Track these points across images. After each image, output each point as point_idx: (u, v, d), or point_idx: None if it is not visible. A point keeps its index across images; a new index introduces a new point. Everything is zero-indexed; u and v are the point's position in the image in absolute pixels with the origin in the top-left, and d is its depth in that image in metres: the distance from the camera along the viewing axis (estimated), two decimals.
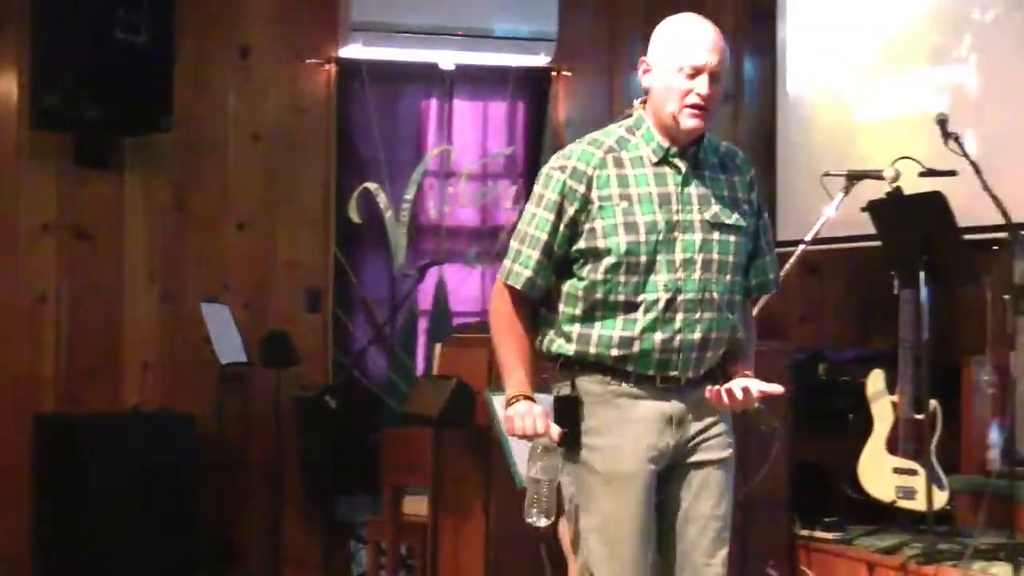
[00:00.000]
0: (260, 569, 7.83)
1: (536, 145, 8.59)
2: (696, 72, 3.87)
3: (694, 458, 3.97)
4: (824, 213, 6.62)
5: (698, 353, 3.90)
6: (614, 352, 3.87)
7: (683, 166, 3.94)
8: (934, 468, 6.29)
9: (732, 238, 3.95)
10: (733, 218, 3.96)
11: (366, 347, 8.20)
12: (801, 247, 6.68)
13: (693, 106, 3.88)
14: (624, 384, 3.90)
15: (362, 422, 7.66)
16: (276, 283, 8.09)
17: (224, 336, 7.46)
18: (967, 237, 6.29)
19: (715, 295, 3.90)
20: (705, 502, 3.98)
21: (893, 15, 7.88)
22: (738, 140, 8.43)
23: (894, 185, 6.50)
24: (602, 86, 8.69)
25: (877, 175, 6.57)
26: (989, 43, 7.29)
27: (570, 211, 3.92)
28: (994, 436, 7.00)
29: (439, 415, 6.16)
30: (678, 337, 3.86)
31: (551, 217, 3.94)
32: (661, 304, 3.85)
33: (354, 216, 8.17)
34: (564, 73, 8.56)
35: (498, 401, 5.78)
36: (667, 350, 3.86)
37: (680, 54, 3.90)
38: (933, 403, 6.37)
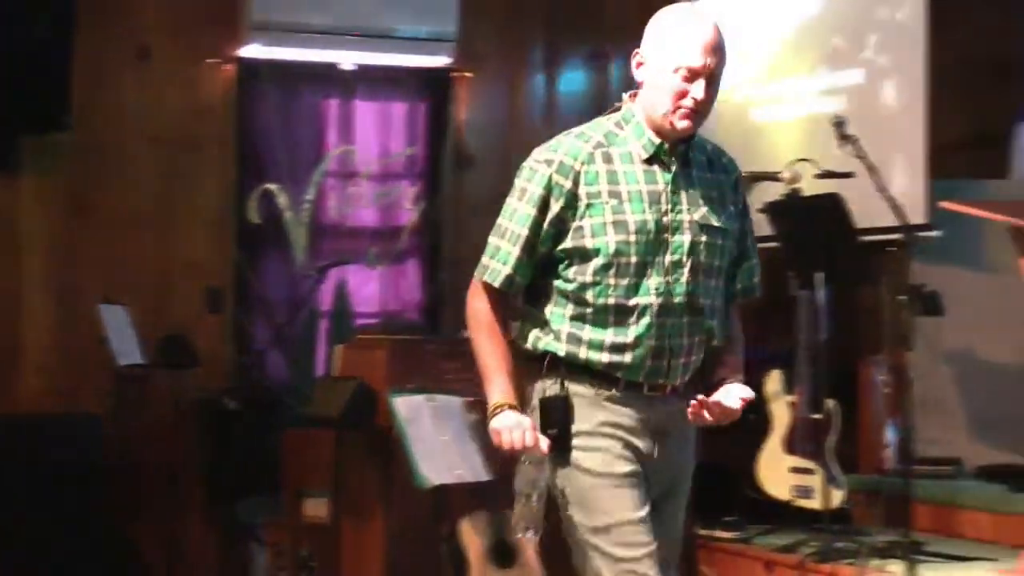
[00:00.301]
0: (160, 572, 7.76)
1: (438, 146, 8.59)
2: (693, 75, 3.65)
3: (672, 485, 3.87)
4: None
5: (685, 359, 3.75)
6: (605, 358, 3.70)
7: (673, 164, 3.74)
8: (831, 467, 6.36)
9: (720, 241, 3.77)
10: (721, 220, 3.78)
11: (266, 348, 8.16)
12: None
13: (687, 108, 3.68)
14: (613, 390, 3.71)
15: (262, 424, 7.63)
16: (176, 284, 8.03)
17: (122, 337, 7.39)
18: (864, 238, 6.35)
19: (701, 300, 3.73)
20: (674, 528, 3.90)
21: (794, 16, 7.94)
22: None
23: (792, 187, 6.55)
24: (504, 87, 8.70)
25: (775, 177, 6.62)
26: (890, 44, 7.37)
27: (556, 208, 3.71)
28: (890, 435, 7.08)
29: (340, 416, 6.14)
30: (668, 343, 3.71)
31: (534, 212, 3.72)
32: (654, 308, 3.68)
33: (254, 217, 8.13)
34: (465, 74, 8.57)
35: (401, 402, 5.78)
36: (659, 357, 3.70)
37: (677, 55, 3.66)
38: (830, 403, 6.43)
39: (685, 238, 3.71)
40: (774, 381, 6.74)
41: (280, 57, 8.20)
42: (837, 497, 6.37)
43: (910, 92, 7.16)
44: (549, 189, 3.71)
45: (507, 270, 3.76)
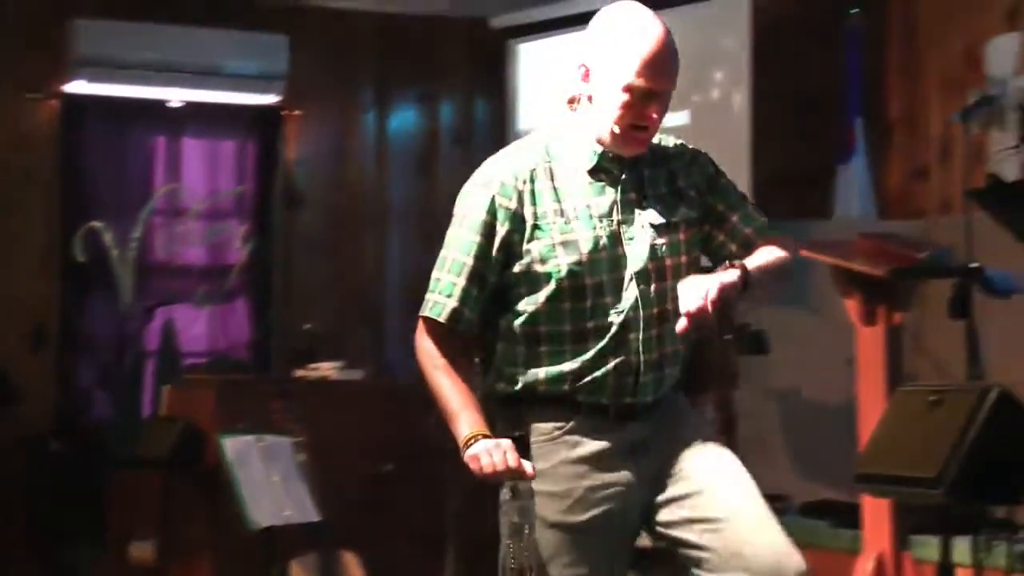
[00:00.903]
0: None
1: (267, 184, 8.54)
2: (645, 95, 3.38)
3: (680, 453, 3.46)
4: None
5: (656, 373, 3.44)
6: (566, 386, 3.41)
7: (619, 171, 3.46)
8: None
9: (681, 236, 3.47)
10: (679, 213, 3.48)
11: (92, 388, 8.03)
12: None
13: (638, 128, 3.42)
14: (574, 419, 3.42)
15: (87, 465, 7.50)
16: None
17: None
18: None
19: (670, 304, 3.38)
20: (727, 476, 3.43)
21: None
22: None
23: None
24: (334, 126, 8.68)
25: None
26: (715, 85, 7.49)
27: (502, 231, 3.41)
28: None
29: (167, 457, 6.07)
30: (634, 359, 3.40)
31: (477, 239, 3.42)
32: (614, 328, 3.38)
33: (79, 255, 8.00)
34: (295, 112, 8.54)
35: (229, 443, 5.73)
36: (624, 374, 3.40)
37: (628, 73, 3.36)
38: None
39: (643, 246, 3.43)
40: None
41: (106, 93, 8.09)
42: None
43: (733, 132, 7.28)
44: (493, 213, 3.43)
45: (452, 303, 3.44)
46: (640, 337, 3.41)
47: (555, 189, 3.44)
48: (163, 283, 8.26)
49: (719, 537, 3.37)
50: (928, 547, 5.44)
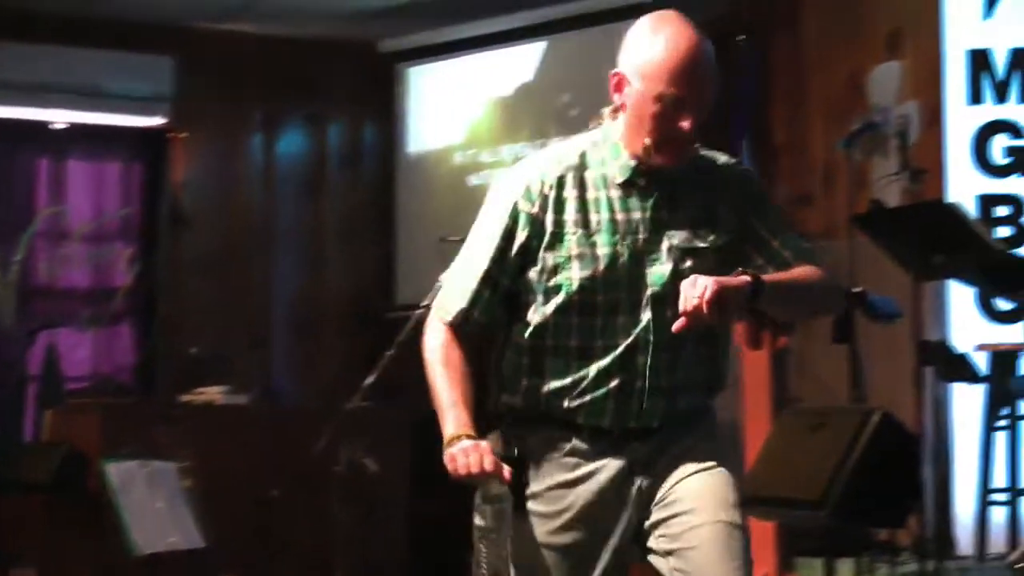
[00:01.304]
0: None
1: (153, 207, 8.48)
2: (679, 104, 3.23)
3: (674, 475, 3.33)
4: (441, 278, 6.66)
5: (666, 400, 3.31)
6: (565, 404, 3.29)
7: (653, 187, 3.31)
8: None
9: (709, 262, 3.29)
10: (710, 238, 3.32)
11: None
12: (420, 311, 6.73)
13: (673, 140, 3.27)
14: (575, 440, 3.31)
15: None
16: None
17: None
18: None
19: (687, 331, 3.20)
20: (708, 507, 3.30)
21: (512, 81, 8.07)
22: (357, 204, 8.50)
23: None
24: (221, 148, 8.63)
25: None
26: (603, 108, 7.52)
27: (521, 237, 3.30)
28: None
29: (49, 482, 5.99)
30: (639, 384, 3.28)
31: (496, 242, 3.32)
32: (620, 349, 3.25)
33: None
34: (182, 135, 8.48)
35: (113, 468, 5.67)
36: (627, 398, 3.28)
37: (662, 82, 3.22)
38: None
39: (666, 268, 3.28)
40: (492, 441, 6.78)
41: None
42: None
43: None
44: (514, 217, 3.31)
45: (462, 304, 3.36)
46: (648, 362, 3.28)
47: (582, 199, 3.32)
48: (46, 306, 8.18)
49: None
50: (812, 569, 5.49)
